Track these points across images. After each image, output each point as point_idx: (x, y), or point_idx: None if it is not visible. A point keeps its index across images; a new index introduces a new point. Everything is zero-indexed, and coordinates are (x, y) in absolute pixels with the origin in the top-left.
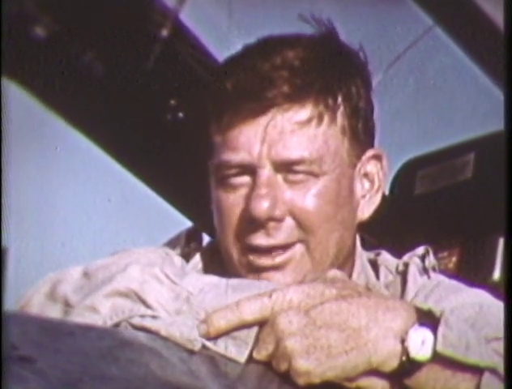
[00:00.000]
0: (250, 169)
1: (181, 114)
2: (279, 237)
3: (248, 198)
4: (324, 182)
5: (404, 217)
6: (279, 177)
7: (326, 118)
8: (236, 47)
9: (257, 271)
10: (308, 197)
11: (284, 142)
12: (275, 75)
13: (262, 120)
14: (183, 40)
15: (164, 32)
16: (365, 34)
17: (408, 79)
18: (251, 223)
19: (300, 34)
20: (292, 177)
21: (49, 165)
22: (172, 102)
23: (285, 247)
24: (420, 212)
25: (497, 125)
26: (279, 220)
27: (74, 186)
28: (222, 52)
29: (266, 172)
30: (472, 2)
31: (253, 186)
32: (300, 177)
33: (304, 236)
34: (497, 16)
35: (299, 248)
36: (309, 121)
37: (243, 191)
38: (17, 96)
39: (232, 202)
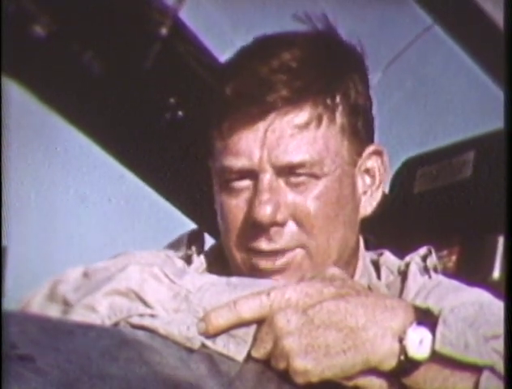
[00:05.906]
0: (252, 174)
1: (180, 113)
2: (280, 242)
3: (250, 203)
4: (325, 183)
5: (404, 216)
6: (281, 181)
7: (325, 119)
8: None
9: (259, 273)
10: (309, 199)
11: (284, 146)
12: (273, 79)
13: (262, 125)
14: (182, 38)
15: (164, 31)
16: (365, 32)
17: (408, 77)
18: (254, 227)
19: (296, 32)
20: (293, 179)
21: (49, 165)
22: (172, 101)
23: (285, 251)
24: (420, 211)
25: (497, 124)
26: (282, 225)
27: (75, 186)
28: (221, 51)
29: (267, 176)
30: (472, 1)
31: (256, 191)
32: (301, 179)
33: (305, 240)
34: (497, 15)
35: (299, 252)
36: (307, 123)
37: (245, 195)
38: (17, 95)
39: (235, 205)
